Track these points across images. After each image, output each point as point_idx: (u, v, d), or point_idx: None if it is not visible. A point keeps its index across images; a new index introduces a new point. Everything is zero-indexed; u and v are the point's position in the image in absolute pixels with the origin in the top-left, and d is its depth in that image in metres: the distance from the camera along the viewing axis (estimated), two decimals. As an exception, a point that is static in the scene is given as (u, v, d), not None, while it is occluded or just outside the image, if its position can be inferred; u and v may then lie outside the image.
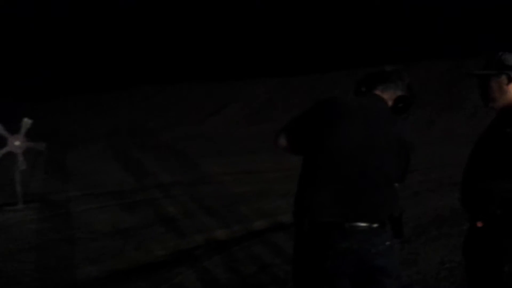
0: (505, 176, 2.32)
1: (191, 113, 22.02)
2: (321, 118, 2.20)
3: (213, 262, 4.71)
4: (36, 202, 7.59)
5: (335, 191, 2.13)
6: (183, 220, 6.37)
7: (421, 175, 8.26)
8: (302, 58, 21.63)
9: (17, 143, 7.60)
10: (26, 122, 7.63)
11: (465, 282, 3.43)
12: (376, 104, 2.28)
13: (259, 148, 12.21)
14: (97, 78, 31.19)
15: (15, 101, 25.50)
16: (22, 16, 33.94)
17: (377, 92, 2.31)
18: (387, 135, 2.21)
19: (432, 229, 5.23)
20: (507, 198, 2.31)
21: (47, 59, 33.45)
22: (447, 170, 7.65)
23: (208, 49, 27.46)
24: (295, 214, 2.25)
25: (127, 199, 7.67)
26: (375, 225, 2.12)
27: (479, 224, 2.44)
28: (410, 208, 6.06)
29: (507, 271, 2.32)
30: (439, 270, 4.18)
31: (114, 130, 20.01)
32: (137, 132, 19.31)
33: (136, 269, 4.71)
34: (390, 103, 2.31)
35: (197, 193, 7.93)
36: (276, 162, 9.45)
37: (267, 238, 5.38)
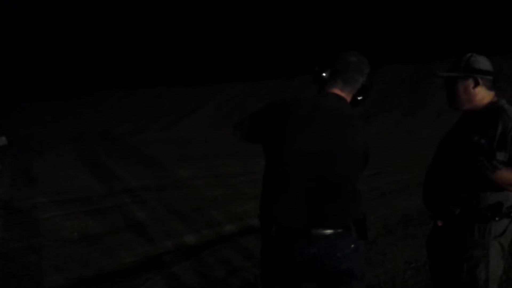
0: (466, 181, 2.36)
1: (160, 117, 21.90)
2: (278, 120, 2.16)
3: (182, 267, 4.69)
4: (1, 209, 7.42)
5: (299, 197, 2.12)
6: (152, 225, 6.32)
7: (388, 176, 8.42)
8: (271, 62, 21.76)
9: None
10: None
11: (431, 281, 3.52)
12: (337, 106, 2.22)
13: (228, 152, 12.24)
14: (64, 82, 30.71)
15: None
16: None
17: (337, 90, 2.24)
18: (349, 138, 2.18)
19: (398, 229, 5.34)
20: (465, 198, 2.36)
21: (11, 61, 32.76)
22: (413, 171, 7.79)
23: (178, 53, 27.35)
24: (261, 219, 2.24)
25: (95, 205, 7.56)
26: (340, 230, 2.13)
27: (440, 223, 2.49)
28: (378, 209, 6.18)
29: (466, 269, 2.38)
30: (406, 269, 4.26)
31: (82, 135, 19.74)
32: (105, 137, 19.08)
33: (103, 276, 4.63)
34: (349, 99, 2.27)
35: (166, 198, 7.88)
36: (245, 165, 9.49)
37: (236, 242, 5.39)
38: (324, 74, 2.26)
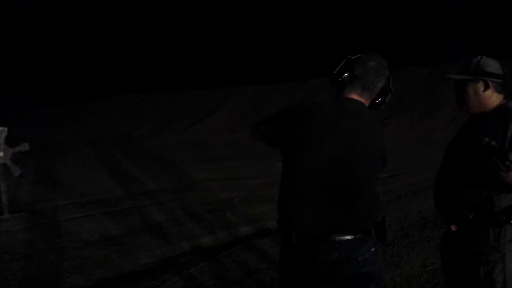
0: (477, 184, 2.34)
1: (177, 120, 21.99)
2: (297, 125, 2.14)
3: (199, 268, 4.73)
4: (23, 212, 7.54)
5: (320, 203, 2.11)
6: (169, 227, 6.39)
7: (404, 178, 8.38)
8: (285, 65, 21.83)
9: (0, 154, 7.51)
10: (2, 130, 7.52)
11: (446, 284, 3.51)
12: (357, 111, 2.19)
13: (244, 154, 12.27)
14: (82, 86, 31.09)
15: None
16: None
17: (355, 95, 2.21)
18: (369, 143, 2.16)
19: (414, 232, 5.31)
20: (479, 202, 2.34)
21: (31, 68, 33.25)
22: (428, 173, 7.69)
23: (194, 57, 27.54)
24: (280, 224, 2.23)
25: (114, 207, 7.66)
26: (361, 235, 2.13)
27: (453, 228, 2.47)
28: (393, 211, 6.17)
29: (482, 274, 2.35)
30: (422, 272, 4.24)
31: (100, 139, 19.91)
32: (123, 140, 19.23)
33: (122, 277, 4.70)
34: (368, 103, 2.24)
35: (183, 200, 7.95)
36: (261, 168, 9.53)
37: (252, 243, 5.42)
38: (342, 78, 2.21)
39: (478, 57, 2.46)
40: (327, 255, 2.11)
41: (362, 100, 2.22)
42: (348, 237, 2.11)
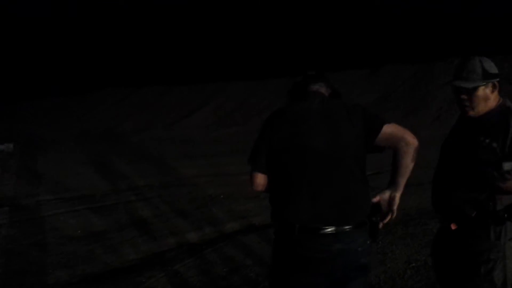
0: (479, 185, 2.35)
1: (164, 116, 21.89)
2: (275, 132, 2.21)
3: (185, 264, 4.73)
4: (6, 207, 7.47)
5: (321, 196, 2.16)
6: (156, 223, 6.37)
7: (388, 176, 8.41)
8: (274, 61, 21.79)
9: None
10: None
11: (431, 281, 3.53)
12: (329, 102, 2.28)
13: (230, 150, 12.26)
14: (68, 80, 30.76)
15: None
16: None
17: (321, 89, 2.35)
18: (348, 129, 2.20)
19: (398, 229, 5.33)
20: (481, 200, 2.34)
21: (15, 60, 32.83)
22: (413, 171, 7.76)
23: (181, 52, 27.37)
24: (278, 221, 2.26)
25: (99, 203, 7.61)
26: (358, 226, 2.19)
27: (453, 227, 2.45)
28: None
29: (483, 272, 2.35)
30: (406, 269, 4.26)
31: (86, 133, 19.76)
32: (109, 135, 19.11)
33: (107, 273, 4.69)
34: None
35: (169, 196, 7.92)
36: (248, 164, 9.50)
37: (238, 239, 5.43)
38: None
39: (477, 59, 2.43)
40: (331, 245, 2.15)
41: (323, 92, 2.35)
42: (350, 227, 2.16)
